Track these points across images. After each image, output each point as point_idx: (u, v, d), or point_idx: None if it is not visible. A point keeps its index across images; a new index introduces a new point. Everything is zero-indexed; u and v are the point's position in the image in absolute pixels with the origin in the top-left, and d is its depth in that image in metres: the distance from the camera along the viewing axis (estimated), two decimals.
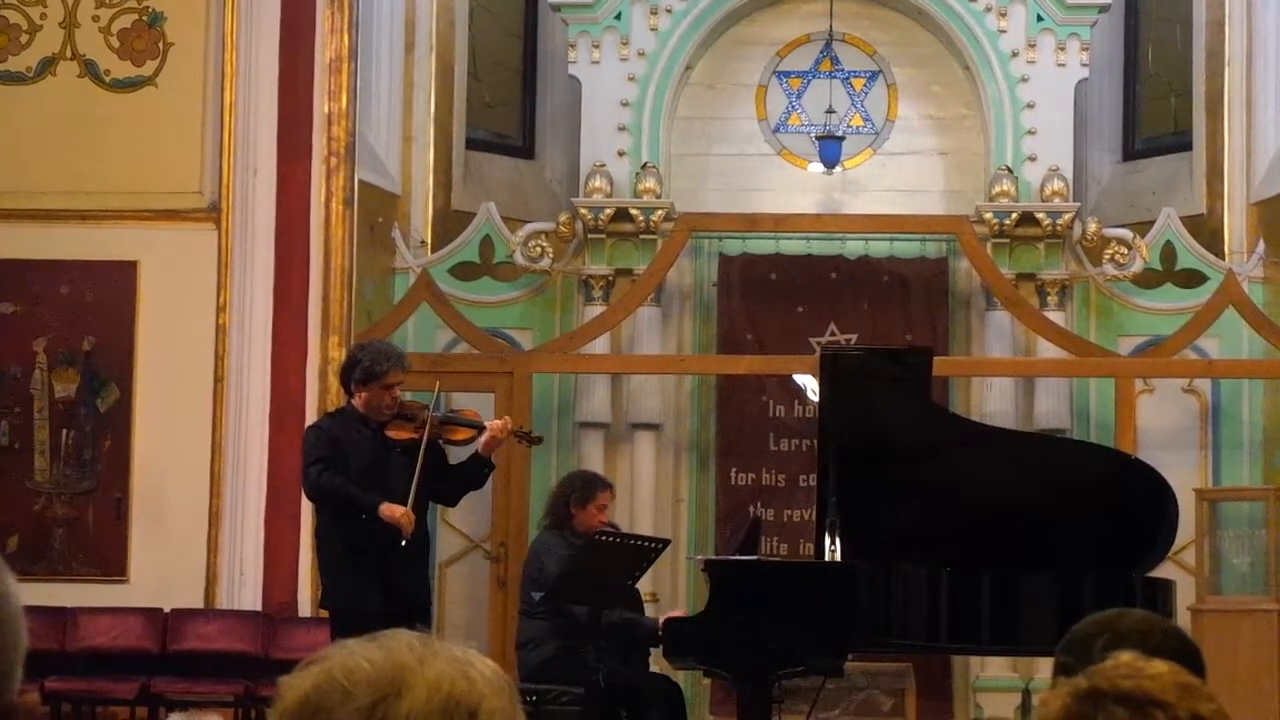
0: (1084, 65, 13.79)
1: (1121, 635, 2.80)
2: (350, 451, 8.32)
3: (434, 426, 8.34)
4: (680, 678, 10.43)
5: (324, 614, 9.03)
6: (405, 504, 8.13)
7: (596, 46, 13.90)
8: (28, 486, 11.89)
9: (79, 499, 11.87)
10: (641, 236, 13.66)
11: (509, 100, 14.66)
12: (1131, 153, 14.44)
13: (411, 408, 8.43)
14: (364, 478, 8.30)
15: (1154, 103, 14.44)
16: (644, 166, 13.76)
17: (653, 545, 8.75)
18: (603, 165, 13.74)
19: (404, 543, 8.07)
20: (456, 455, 8.82)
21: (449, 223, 13.89)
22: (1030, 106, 13.68)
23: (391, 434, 8.33)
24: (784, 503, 13.52)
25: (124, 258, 11.90)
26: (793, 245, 13.78)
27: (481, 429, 8.46)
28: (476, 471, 8.63)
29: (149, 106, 11.98)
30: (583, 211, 13.64)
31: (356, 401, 8.41)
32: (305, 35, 11.93)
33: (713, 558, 11.02)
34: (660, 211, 13.62)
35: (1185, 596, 11.17)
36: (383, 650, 1.79)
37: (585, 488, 9.43)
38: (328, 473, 8.25)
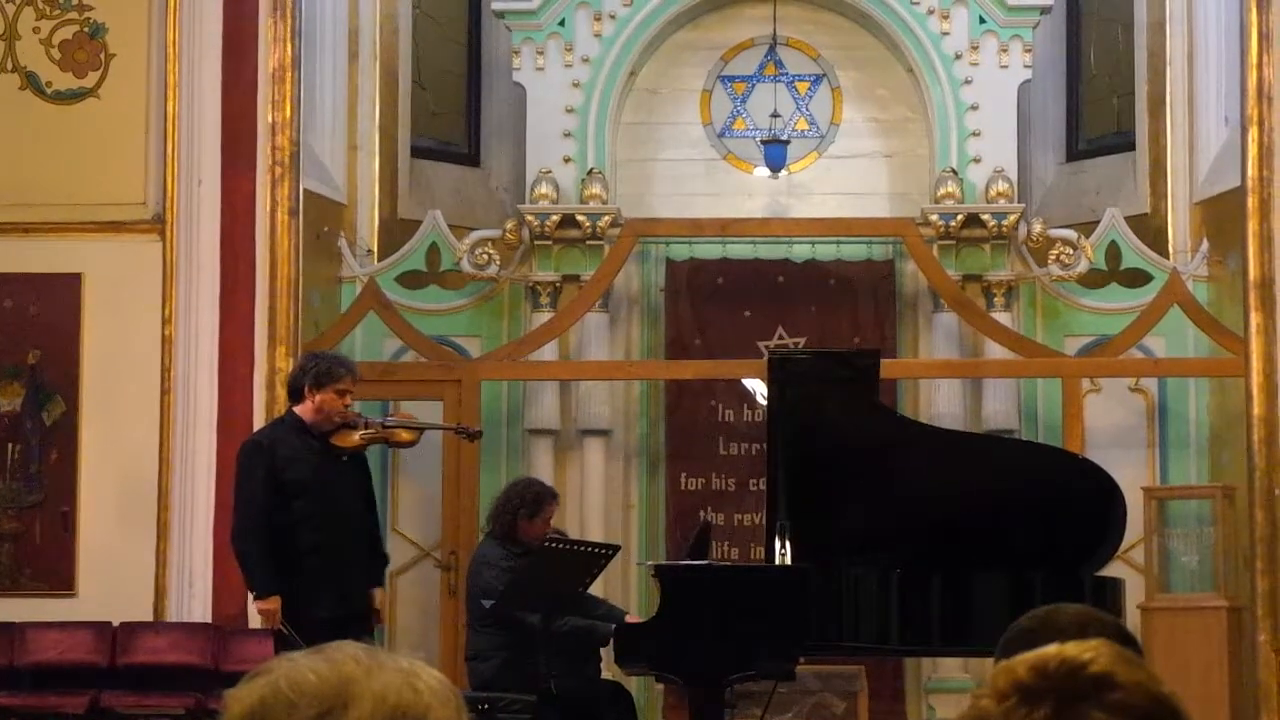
0: (1027, 67, 13.83)
1: (1059, 629, 2.80)
2: (295, 462, 8.30)
3: (380, 430, 8.45)
4: (632, 684, 10.43)
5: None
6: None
7: (541, 53, 13.89)
8: None
9: (26, 513, 11.80)
10: (588, 242, 13.65)
11: (454, 108, 14.63)
12: (1075, 153, 14.49)
13: (353, 417, 8.48)
14: (311, 488, 8.30)
15: (1097, 103, 14.49)
16: (590, 172, 13.75)
17: (603, 551, 8.73)
18: (548, 171, 13.73)
19: (280, 629, 8.22)
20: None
21: (395, 231, 13.85)
22: (974, 109, 13.71)
23: (338, 442, 8.33)
24: (734, 507, 13.53)
25: (68, 270, 11.84)
26: (739, 249, 13.79)
27: (421, 429, 8.70)
28: None
29: (91, 118, 11.92)
30: (529, 218, 13.62)
31: (304, 409, 8.39)
32: (248, 45, 11.88)
33: (663, 563, 11.01)
34: (606, 217, 13.61)
35: (1134, 595, 11.22)
36: (328, 662, 1.78)
37: (536, 502, 9.40)
38: (252, 534, 8.31)
